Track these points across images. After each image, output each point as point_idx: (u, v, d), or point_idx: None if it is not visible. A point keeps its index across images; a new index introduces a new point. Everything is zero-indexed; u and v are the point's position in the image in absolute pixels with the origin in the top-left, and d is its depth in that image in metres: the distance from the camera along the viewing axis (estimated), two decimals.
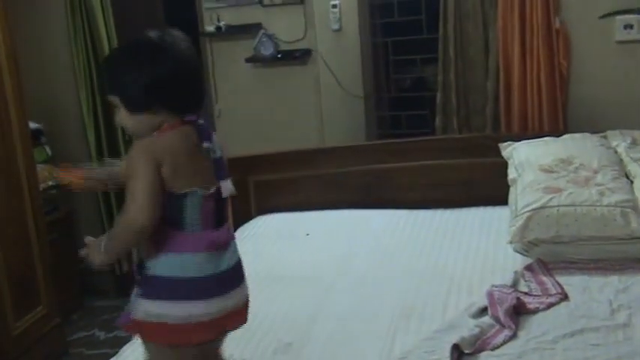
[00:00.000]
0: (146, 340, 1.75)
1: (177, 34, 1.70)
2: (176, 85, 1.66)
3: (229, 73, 4.07)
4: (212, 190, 1.71)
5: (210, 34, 4.04)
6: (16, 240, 3.17)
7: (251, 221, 3.32)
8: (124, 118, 1.69)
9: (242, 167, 3.44)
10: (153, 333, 1.70)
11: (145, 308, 1.68)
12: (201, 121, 1.73)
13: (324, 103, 3.89)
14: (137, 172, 1.60)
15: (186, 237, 1.67)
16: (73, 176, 1.93)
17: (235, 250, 1.81)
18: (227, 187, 1.77)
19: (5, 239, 3.08)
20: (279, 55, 3.89)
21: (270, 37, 3.87)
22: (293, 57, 3.87)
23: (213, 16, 4.01)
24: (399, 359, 1.96)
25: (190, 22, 4.23)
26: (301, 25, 3.87)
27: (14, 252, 3.15)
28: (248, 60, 3.96)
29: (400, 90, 4.19)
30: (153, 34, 1.69)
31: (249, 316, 2.27)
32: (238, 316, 1.80)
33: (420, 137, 3.56)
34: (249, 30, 3.93)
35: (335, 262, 2.74)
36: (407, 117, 4.04)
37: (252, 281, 2.59)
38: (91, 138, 4.03)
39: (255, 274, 2.65)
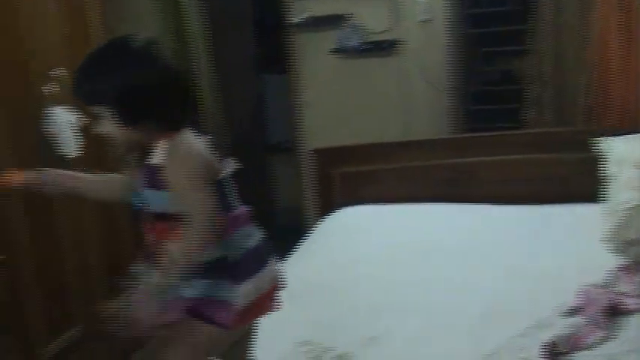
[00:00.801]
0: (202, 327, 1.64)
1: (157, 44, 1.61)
2: (173, 94, 1.59)
3: (314, 64, 4.09)
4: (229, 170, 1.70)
5: (296, 26, 4.06)
6: (108, 224, 3.27)
7: (335, 213, 3.33)
8: (111, 130, 1.57)
9: (327, 159, 3.46)
10: (247, 315, 1.68)
11: (246, 291, 1.64)
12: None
13: (409, 95, 3.86)
14: (186, 179, 1.54)
15: (236, 215, 1.68)
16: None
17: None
18: (231, 165, 1.71)
19: (98, 223, 3.19)
20: (364, 47, 3.88)
21: (356, 28, 3.87)
22: (379, 48, 3.86)
23: (300, 8, 4.03)
24: (489, 356, 1.93)
25: (276, 14, 4.28)
26: (388, 16, 3.84)
27: (106, 235, 3.25)
28: (333, 51, 3.97)
29: (488, 83, 4.12)
30: (138, 39, 1.58)
31: (334, 308, 2.31)
32: (281, 282, 1.80)
33: (509, 131, 3.49)
34: (335, 21, 3.93)
35: (419, 256, 2.72)
36: (494, 110, 3.96)
37: (336, 272, 2.63)
38: None
39: (338, 266, 2.70)
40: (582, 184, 2.99)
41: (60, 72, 2.93)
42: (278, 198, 5.20)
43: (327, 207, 3.41)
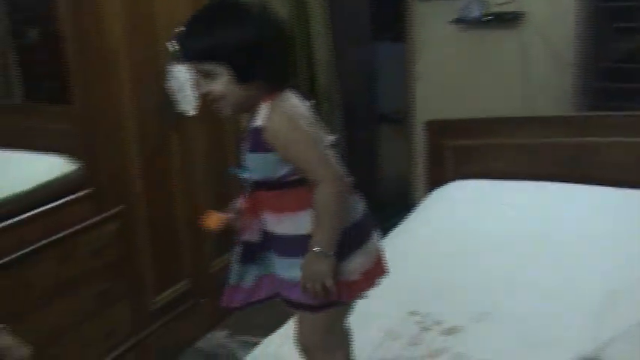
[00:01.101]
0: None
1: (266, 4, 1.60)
2: (282, 53, 1.56)
3: (432, 34, 3.99)
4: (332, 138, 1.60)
5: None
6: (219, 185, 3.35)
7: (446, 185, 3.27)
8: (225, 88, 1.51)
9: (440, 131, 3.41)
10: (357, 287, 1.62)
11: (352, 264, 1.58)
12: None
13: (531, 69, 3.71)
14: (304, 138, 1.48)
15: (347, 183, 1.58)
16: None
17: None
18: (330, 138, 1.61)
19: (210, 184, 3.26)
20: (486, 18, 3.75)
21: None
22: (502, 20, 3.72)
23: None
24: (607, 343, 1.85)
25: None
26: None
27: (217, 195, 3.32)
28: (454, 21, 3.86)
29: (618, 60, 3.89)
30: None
31: (443, 281, 2.28)
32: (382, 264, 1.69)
33: (635, 112, 3.31)
34: None
35: (534, 234, 2.65)
36: (622, 89, 3.75)
37: (443, 246, 2.59)
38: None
39: (449, 239, 2.66)
40: None
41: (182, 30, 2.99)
42: (385, 168, 5.16)
43: (437, 180, 3.36)
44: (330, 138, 1.60)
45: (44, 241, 2.40)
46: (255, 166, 1.56)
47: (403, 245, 2.62)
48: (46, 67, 2.94)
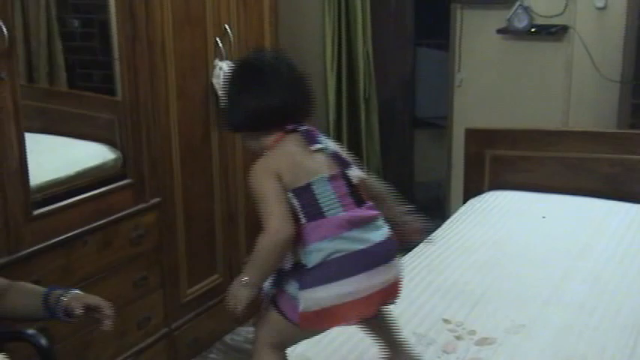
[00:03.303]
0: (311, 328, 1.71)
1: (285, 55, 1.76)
2: (291, 109, 1.69)
3: (477, 42, 3.99)
4: (335, 172, 1.67)
5: (463, 2, 3.97)
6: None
7: (483, 195, 3.27)
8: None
9: (480, 140, 3.40)
10: (316, 320, 1.65)
11: (310, 298, 1.62)
12: (304, 128, 1.70)
13: (574, 84, 3.69)
14: (263, 192, 1.61)
15: (331, 220, 1.61)
16: None
17: (383, 226, 1.69)
18: (355, 174, 1.69)
19: (246, 176, 3.28)
20: (532, 29, 3.73)
21: (527, 9, 3.72)
22: (548, 32, 3.70)
23: None
24: None
25: None
26: (561, 0, 3.67)
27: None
28: (499, 31, 3.85)
29: None
30: (263, 57, 1.75)
31: (477, 291, 2.28)
32: (389, 293, 1.70)
33: None
34: (504, 0, 3.81)
35: (571, 249, 2.63)
36: None
37: (481, 255, 2.58)
38: (330, 90, 4.17)
39: (484, 249, 2.65)
40: None
41: (229, 28, 3.02)
42: (422, 173, 5.16)
43: (474, 188, 3.35)
44: (357, 172, 1.70)
45: (85, 228, 2.44)
46: None
47: (438, 252, 2.62)
48: (91, 55, 2.99)
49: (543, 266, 2.49)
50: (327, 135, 4.11)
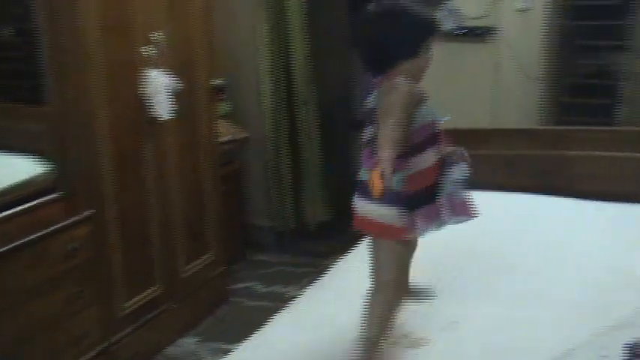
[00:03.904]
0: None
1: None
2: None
3: None
4: None
5: None
6: (192, 187, 3.36)
7: None
8: None
9: None
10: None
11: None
12: None
13: (501, 83, 3.79)
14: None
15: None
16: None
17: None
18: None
19: (183, 186, 3.27)
20: (459, 31, 3.81)
21: (453, 12, 3.81)
22: (474, 34, 3.79)
23: None
24: (569, 351, 1.90)
25: None
26: (486, 2, 3.77)
27: (190, 198, 3.34)
28: None
29: (583, 76, 3.99)
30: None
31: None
32: None
33: (601, 127, 3.39)
34: (432, 3, 3.88)
35: (502, 246, 2.69)
36: (587, 105, 3.84)
37: (421, 257, 2.62)
38: (267, 96, 4.19)
39: (421, 251, 2.68)
40: None
41: (158, 36, 3.00)
42: (359, 174, 5.20)
43: None
44: None
45: (15, 244, 2.40)
46: None
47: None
48: (19, 66, 2.93)
49: (476, 263, 2.54)
50: (265, 139, 4.18)
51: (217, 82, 3.85)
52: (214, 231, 3.53)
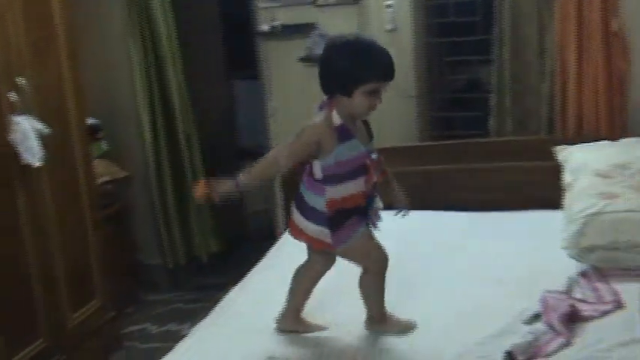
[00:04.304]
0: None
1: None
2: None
3: (283, 72, 4.10)
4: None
5: (265, 34, 4.07)
6: (72, 233, 3.26)
7: None
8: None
9: (293, 167, 3.46)
10: None
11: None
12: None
13: None
14: None
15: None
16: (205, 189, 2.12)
17: None
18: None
19: (62, 233, 3.17)
20: None
21: (324, 36, 3.88)
22: None
23: (268, 16, 4.04)
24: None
25: (245, 22, 4.29)
26: (355, 25, 3.87)
27: (71, 245, 3.23)
28: (301, 59, 3.98)
29: (454, 91, 4.17)
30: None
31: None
32: None
33: (474, 139, 3.54)
34: (303, 29, 3.95)
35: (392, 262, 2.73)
36: (460, 118, 4.01)
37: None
38: (147, 132, 4.13)
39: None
40: (543, 191, 3.04)
41: (22, 81, 2.91)
42: (249, 202, 5.21)
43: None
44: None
45: None
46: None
47: (260, 286, 2.66)
48: None
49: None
50: (149, 176, 4.10)
51: (92, 121, 3.76)
52: (100, 275, 3.43)
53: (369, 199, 2.14)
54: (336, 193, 2.08)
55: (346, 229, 2.10)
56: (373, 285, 2.20)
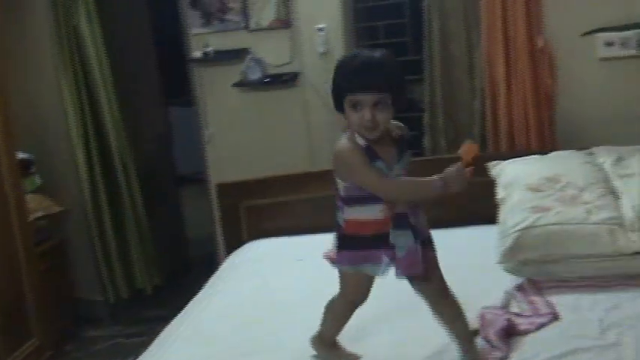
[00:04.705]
0: None
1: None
2: None
3: (218, 98, 4.09)
4: None
5: (198, 60, 4.06)
6: (5, 271, 3.17)
7: (243, 247, 3.31)
8: (387, 116, 1.88)
9: (233, 193, 3.45)
10: None
11: None
12: None
13: (312, 126, 3.91)
14: None
15: None
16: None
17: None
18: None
19: None
20: (266, 80, 3.90)
21: (258, 61, 3.89)
22: (281, 81, 3.90)
23: (201, 42, 4.03)
24: None
25: (178, 49, 4.26)
26: (288, 49, 3.89)
27: (4, 283, 3.14)
28: (236, 85, 3.98)
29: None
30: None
31: (244, 342, 2.31)
32: None
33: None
34: (236, 55, 3.95)
35: (329, 286, 2.72)
36: None
37: (247, 307, 2.61)
38: (82, 164, 4.06)
39: (248, 300, 2.68)
40: (478, 207, 3.07)
41: None
42: (190, 230, 5.17)
43: (235, 241, 3.39)
44: None
45: None
46: (407, 163, 2.02)
47: (200, 316, 2.62)
48: None
49: (305, 308, 2.55)
50: (86, 209, 4.01)
51: (23, 155, 3.67)
52: (36, 314, 3.33)
53: (395, 227, 1.96)
54: (355, 215, 1.98)
55: (357, 256, 2.01)
56: (342, 311, 2.15)
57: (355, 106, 1.85)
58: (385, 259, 1.97)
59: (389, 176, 1.93)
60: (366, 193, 1.93)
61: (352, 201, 1.97)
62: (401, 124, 2.03)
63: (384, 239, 1.95)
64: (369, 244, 1.98)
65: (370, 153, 1.91)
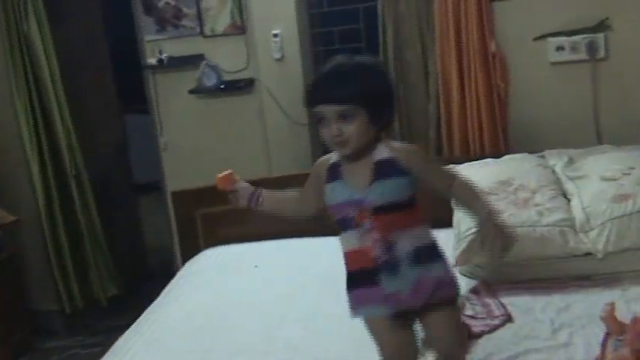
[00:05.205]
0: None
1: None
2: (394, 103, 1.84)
3: (173, 105, 4.06)
4: None
5: (153, 67, 4.02)
6: None
7: (199, 254, 3.29)
8: (356, 130, 1.70)
9: (188, 200, 3.43)
10: None
11: None
12: None
13: (269, 131, 3.90)
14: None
15: None
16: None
17: None
18: None
19: None
20: (222, 86, 3.89)
21: (213, 67, 3.88)
22: (236, 87, 3.88)
23: (155, 49, 3.99)
24: None
25: (132, 55, 4.22)
26: (244, 55, 3.88)
27: None
28: (191, 91, 3.96)
29: None
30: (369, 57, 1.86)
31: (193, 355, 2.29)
32: None
33: None
34: (191, 61, 3.93)
35: (285, 293, 2.72)
36: None
37: (203, 315, 2.60)
38: (35, 173, 3.99)
39: (204, 308, 2.66)
40: (434, 211, 3.08)
41: None
42: (149, 238, 5.11)
43: (191, 249, 3.36)
44: None
45: None
46: (388, 190, 1.73)
47: (154, 326, 2.59)
48: None
49: (260, 315, 2.55)
50: (40, 219, 3.93)
51: None
52: None
53: (383, 265, 1.74)
54: (342, 243, 1.82)
55: (354, 296, 1.81)
56: None
57: (321, 120, 1.72)
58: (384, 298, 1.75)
59: (332, 200, 1.77)
60: (337, 218, 1.79)
61: (339, 226, 1.82)
62: (407, 148, 1.82)
63: (372, 275, 1.75)
64: (358, 282, 1.79)
65: (332, 171, 1.79)
